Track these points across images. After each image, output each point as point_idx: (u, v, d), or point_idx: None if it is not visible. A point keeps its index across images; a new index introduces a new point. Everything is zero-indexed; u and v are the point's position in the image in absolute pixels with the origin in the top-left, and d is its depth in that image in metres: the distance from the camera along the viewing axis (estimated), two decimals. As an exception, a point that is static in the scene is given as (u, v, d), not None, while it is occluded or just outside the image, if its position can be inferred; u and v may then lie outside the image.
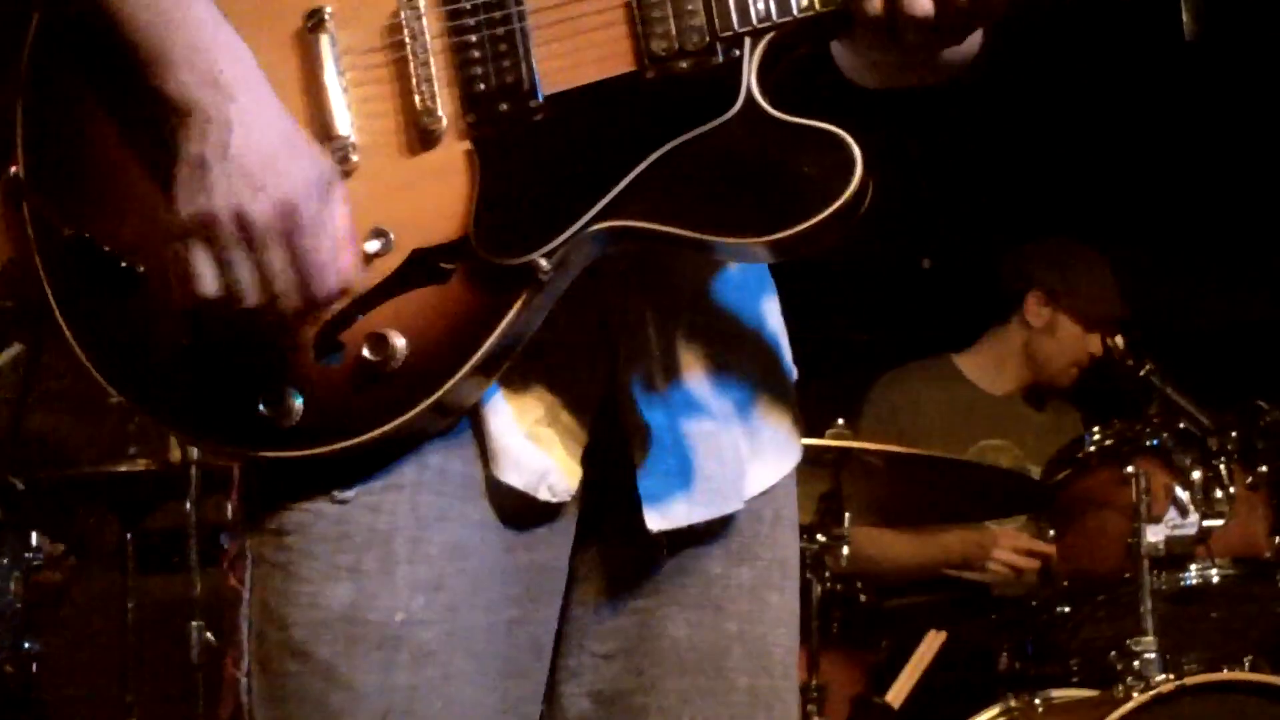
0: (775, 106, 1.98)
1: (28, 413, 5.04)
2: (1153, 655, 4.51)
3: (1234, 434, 4.82)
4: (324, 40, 2.04)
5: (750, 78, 1.98)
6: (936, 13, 1.94)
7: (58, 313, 2.07)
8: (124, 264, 2.03)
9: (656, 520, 2.14)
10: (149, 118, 1.99)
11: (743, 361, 2.26)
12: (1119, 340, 5.24)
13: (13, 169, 2.09)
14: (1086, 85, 6.48)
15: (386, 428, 2.00)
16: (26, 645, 4.94)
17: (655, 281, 2.18)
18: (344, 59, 2.04)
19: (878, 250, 5.99)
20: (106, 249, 2.04)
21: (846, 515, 4.99)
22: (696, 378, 2.21)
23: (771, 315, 2.32)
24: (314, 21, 2.04)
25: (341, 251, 1.97)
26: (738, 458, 2.22)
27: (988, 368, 6.21)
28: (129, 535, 5.32)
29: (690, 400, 2.19)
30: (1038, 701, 4.71)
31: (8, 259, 2.17)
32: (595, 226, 1.98)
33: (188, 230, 1.93)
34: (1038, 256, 6.14)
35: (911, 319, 6.32)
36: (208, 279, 1.93)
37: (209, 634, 4.90)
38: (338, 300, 1.97)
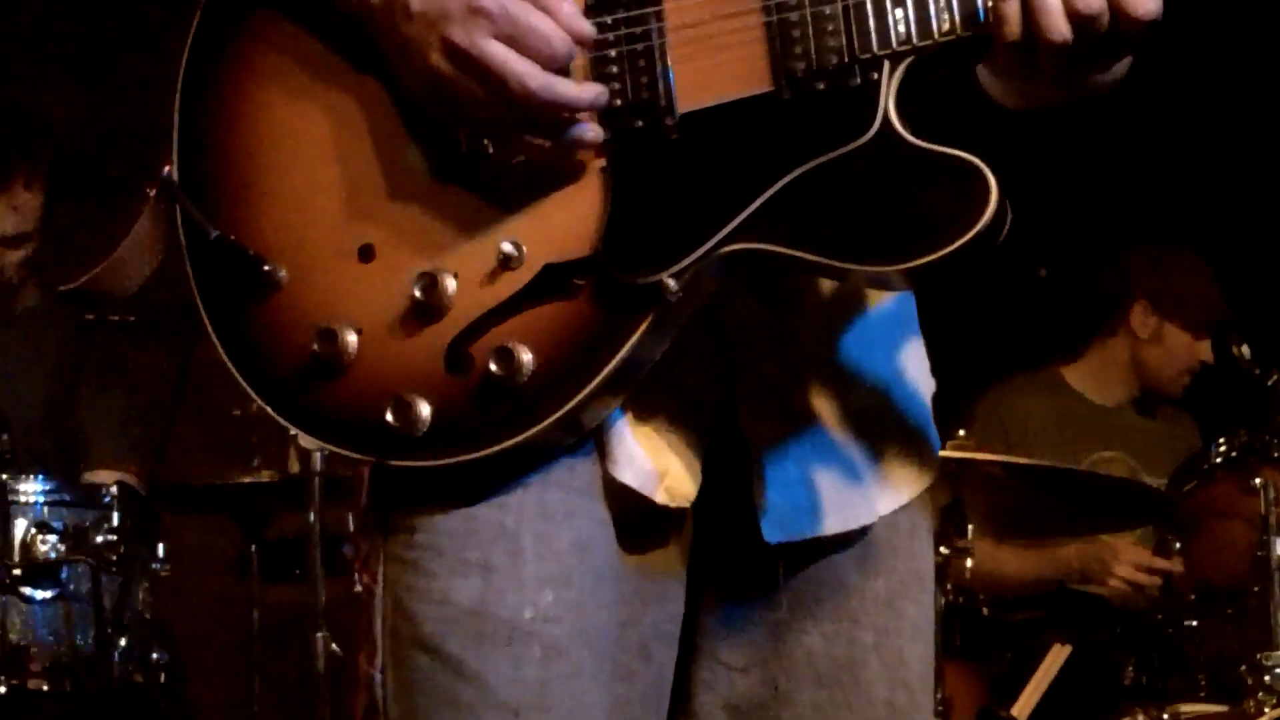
0: (912, 131, 1.96)
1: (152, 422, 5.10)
2: (1283, 670, 4.48)
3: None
4: None
5: (888, 101, 1.96)
6: (1075, 39, 1.90)
7: (203, 313, 2.09)
8: (266, 266, 2.06)
9: (776, 533, 2.13)
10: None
11: (874, 402, 2.23)
12: (1245, 349, 5.21)
13: (166, 168, 2.11)
14: (1182, 90, 6.47)
15: (509, 443, 2.00)
16: (155, 655, 5.00)
17: (783, 313, 2.16)
18: None
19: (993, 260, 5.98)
20: (251, 251, 2.07)
21: (970, 527, 4.99)
22: (825, 415, 2.18)
23: (912, 361, 2.29)
24: None
25: (541, 17, 1.97)
26: (860, 475, 2.19)
27: (1095, 379, 6.16)
28: (252, 545, 5.38)
29: (818, 438, 2.17)
30: (1165, 716, 4.71)
31: (158, 264, 2.19)
32: (725, 248, 1.96)
33: (447, 58, 1.96)
34: (1138, 264, 6.08)
35: (1018, 329, 6.29)
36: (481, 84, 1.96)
37: (334, 645, 4.93)
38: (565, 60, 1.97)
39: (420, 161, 2.06)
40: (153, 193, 2.13)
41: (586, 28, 1.99)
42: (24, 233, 5.33)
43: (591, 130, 1.99)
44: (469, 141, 2.03)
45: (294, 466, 5.19)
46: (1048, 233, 6.36)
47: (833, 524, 2.16)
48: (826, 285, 2.19)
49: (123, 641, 4.85)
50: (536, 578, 2.03)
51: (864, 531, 2.20)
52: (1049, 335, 6.26)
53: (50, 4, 7.05)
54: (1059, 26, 1.90)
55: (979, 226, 1.89)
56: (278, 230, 2.08)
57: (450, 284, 2.01)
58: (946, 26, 1.95)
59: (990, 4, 1.93)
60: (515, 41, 1.95)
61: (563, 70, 1.97)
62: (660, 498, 2.09)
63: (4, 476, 4.74)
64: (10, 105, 5.46)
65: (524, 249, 2.00)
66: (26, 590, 4.72)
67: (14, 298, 5.49)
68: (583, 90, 1.97)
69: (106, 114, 6.59)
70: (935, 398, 2.30)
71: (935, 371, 2.30)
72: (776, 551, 2.15)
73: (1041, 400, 6.08)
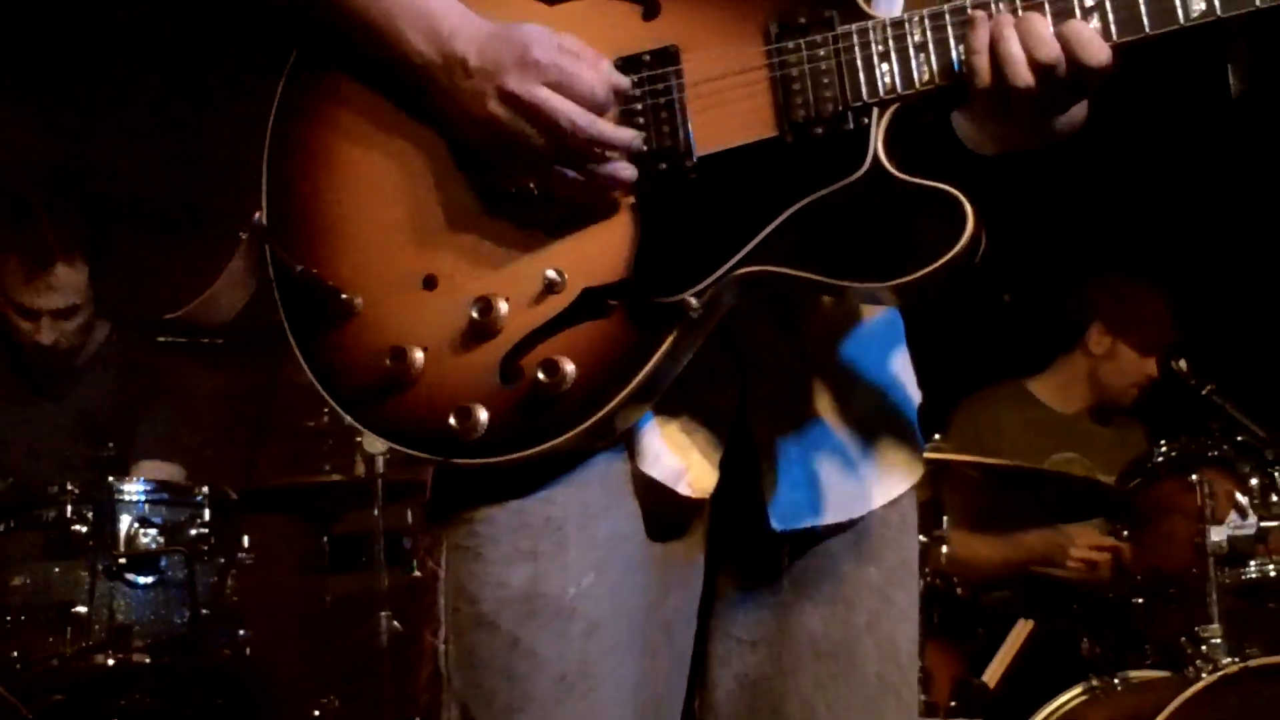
0: (899, 168, 1.98)
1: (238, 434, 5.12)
2: (1219, 641, 4.49)
3: (1288, 445, 4.81)
4: None
5: (877, 142, 1.98)
6: (1038, 85, 1.93)
7: (291, 337, 2.12)
8: (344, 296, 2.09)
9: (782, 522, 2.15)
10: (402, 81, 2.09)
11: (869, 404, 2.24)
12: (1183, 364, 5.22)
13: (256, 215, 2.14)
14: (1138, 135, 6.48)
15: (555, 442, 2.02)
16: (240, 633, 5.02)
17: (790, 329, 2.18)
18: None
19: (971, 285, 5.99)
20: (330, 283, 2.09)
21: (945, 519, 5.02)
22: (827, 417, 2.20)
23: (901, 371, 2.30)
24: None
25: (596, 58, 2.02)
26: (856, 472, 2.21)
27: (1057, 390, 6.15)
28: (324, 539, 5.40)
29: (821, 437, 2.19)
30: (1117, 681, 4.67)
31: (248, 297, 2.21)
32: (739, 271, 1.99)
33: (504, 105, 2.00)
34: (1096, 291, 6.10)
35: (989, 347, 6.30)
36: (534, 129, 2.01)
37: (395, 623, 4.95)
38: (606, 105, 2.01)
39: (474, 201, 2.08)
40: (244, 235, 2.16)
41: (624, 80, 2.03)
42: (73, 305, 5.28)
43: (627, 169, 2.02)
44: (516, 182, 2.06)
45: (360, 470, 5.19)
46: (1014, 263, 6.38)
47: (831, 516, 2.18)
48: (827, 305, 2.21)
49: (212, 622, 4.89)
50: (578, 563, 2.06)
51: (859, 525, 2.21)
52: (1017, 352, 6.24)
53: (144, 73, 7.06)
54: (1023, 75, 1.92)
55: (958, 248, 1.92)
56: (353, 265, 2.10)
57: (503, 307, 2.04)
58: (926, 77, 1.98)
59: (964, 58, 1.96)
60: (562, 88, 1.99)
61: (601, 115, 2.01)
62: (683, 490, 2.11)
63: (110, 479, 4.77)
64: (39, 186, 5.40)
65: (565, 276, 2.03)
66: (130, 577, 4.74)
67: (81, 351, 5.44)
68: (620, 131, 2.01)
69: (192, 166, 6.60)
70: (922, 404, 2.32)
71: (918, 383, 2.32)
72: (781, 540, 2.17)
73: (1010, 409, 6.06)
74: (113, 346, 5.52)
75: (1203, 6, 1.91)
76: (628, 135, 2.02)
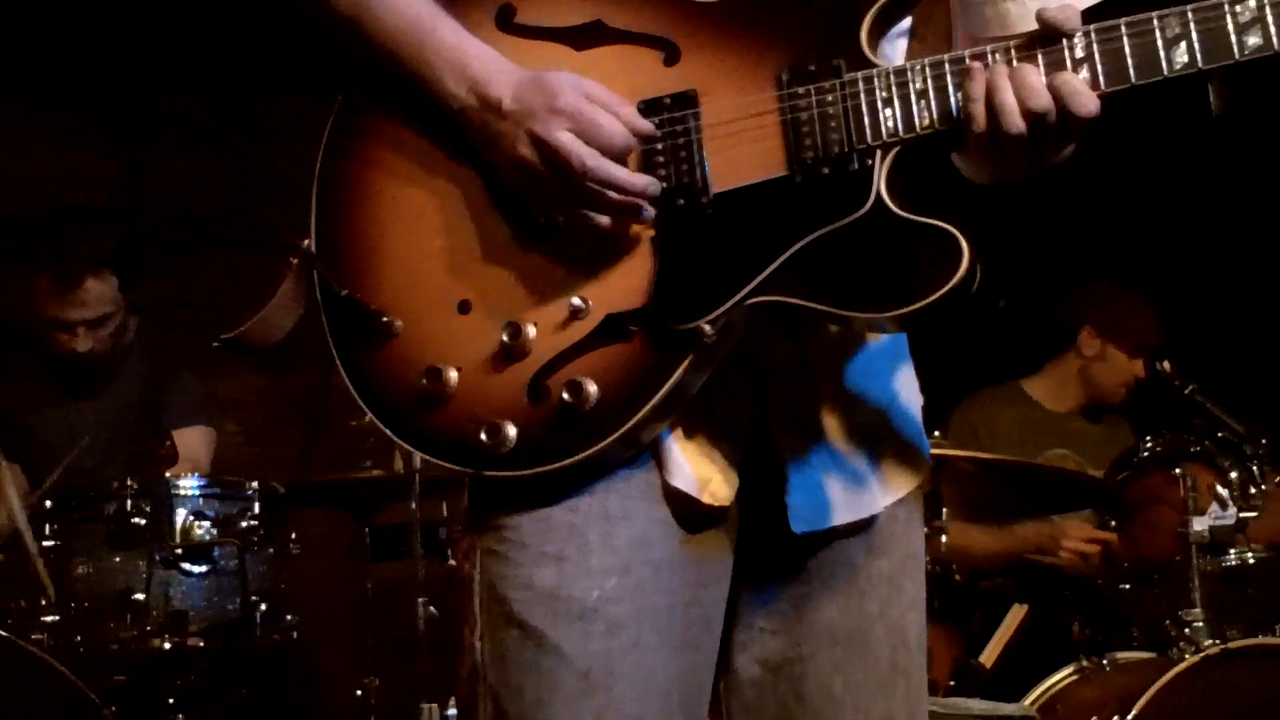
0: (900, 206, 1.97)
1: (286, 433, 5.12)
2: (1201, 624, 4.49)
3: (1265, 440, 4.80)
4: None
5: (880, 182, 1.98)
6: (1030, 132, 1.92)
7: (336, 355, 2.12)
8: (385, 318, 2.09)
9: (802, 524, 2.15)
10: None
11: (877, 412, 2.24)
12: (1167, 365, 5.22)
13: (305, 242, 2.15)
14: (1123, 153, 6.48)
15: (579, 457, 2.02)
16: (288, 618, 5.02)
17: (803, 349, 2.17)
18: None
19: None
20: (372, 306, 2.10)
21: (944, 510, 5.02)
22: (838, 427, 2.19)
23: (905, 383, 2.29)
24: None
25: (619, 104, 2.02)
26: (867, 474, 2.21)
27: (1051, 390, 6.13)
28: (365, 530, 5.40)
29: (830, 455, 2.18)
30: (1105, 662, 4.67)
31: (298, 318, 2.21)
32: (750, 300, 1.99)
33: (531, 146, 2.01)
34: (1088, 298, 6.09)
35: (987, 350, 6.29)
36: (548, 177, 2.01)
37: (431, 608, 4.95)
38: (623, 152, 2.01)
39: (505, 233, 2.08)
40: (294, 261, 2.16)
41: (645, 125, 2.02)
42: (104, 315, 5.28)
43: (648, 211, 2.01)
44: (546, 216, 2.06)
45: (399, 466, 5.19)
46: (1009, 270, 6.39)
47: (841, 517, 2.18)
48: (837, 331, 2.21)
49: (262, 608, 4.88)
50: (601, 567, 2.05)
51: (870, 522, 2.21)
52: (1014, 354, 6.24)
53: (199, 102, 7.08)
54: (1016, 123, 1.92)
55: (954, 281, 1.92)
56: (394, 290, 2.10)
57: (531, 331, 2.04)
58: (926, 121, 1.98)
59: (961, 105, 1.95)
60: (584, 134, 1.98)
61: (621, 158, 2.00)
62: (706, 499, 2.11)
63: (167, 475, 4.78)
64: (69, 208, 5.40)
65: (590, 302, 2.03)
66: (185, 566, 4.73)
67: (116, 350, 5.44)
68: (634, 176, 2.00)
69: (248, 195, 6.62)
70: (924, 404, 2.32)
71: (924, 383, 2.32)
72: (801, 540, 2.17)
73: (1006, 407, 6.06)
74: (145, 338, 5.53)
75: (1185, 59, 1.90)
76: (642, 181, 2.01)
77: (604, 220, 2.02)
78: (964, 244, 1.93)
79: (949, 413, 6.02)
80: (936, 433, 5.29)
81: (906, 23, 2.12)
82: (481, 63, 2.06)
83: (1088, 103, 1.91)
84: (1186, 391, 5.11)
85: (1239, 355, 6.17)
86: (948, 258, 1.92)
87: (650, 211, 2.02)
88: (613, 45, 2.07)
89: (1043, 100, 1.91)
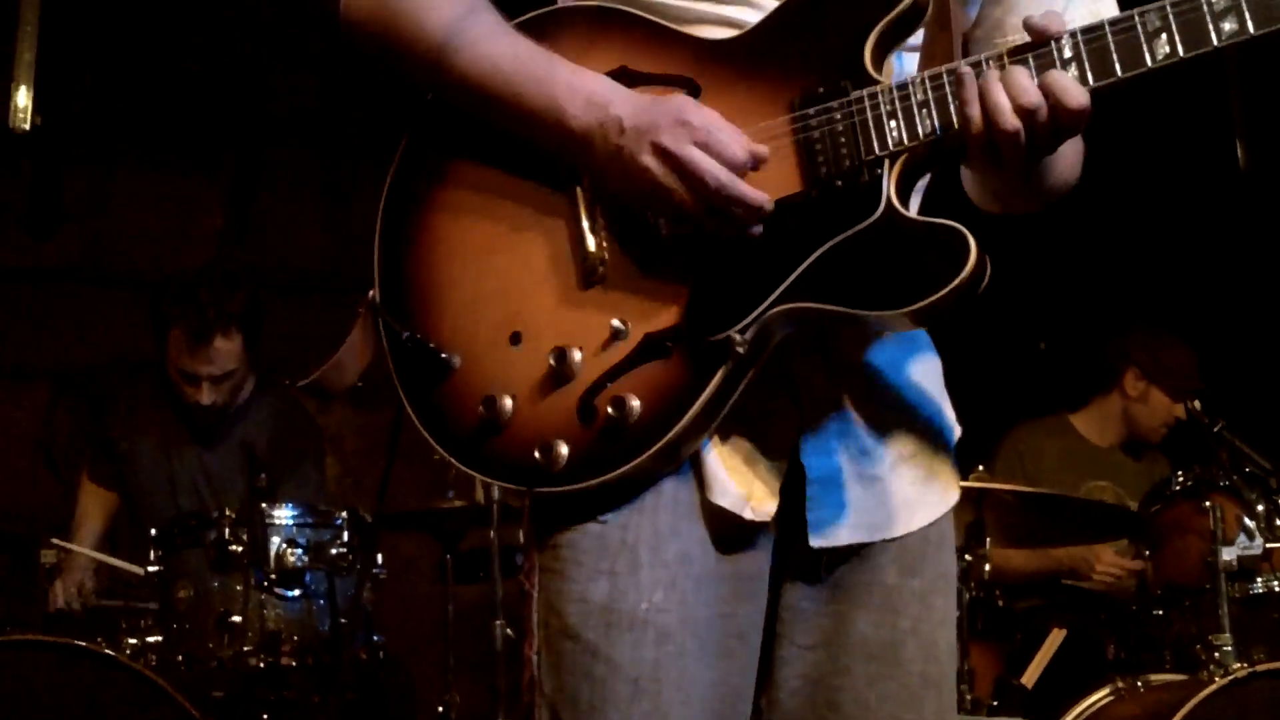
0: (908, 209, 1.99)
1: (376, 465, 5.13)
2: (1229, 648, 4.46)
3: (1289, 475, 4.77)
4: (579, 186, 2.10)
5: (890, 189, 1.99)
6: (1025, 128, 1.93)
7: (403, 395, 2.13)
8: (444, 355, 2.10)
9: (819, 539, 2.13)
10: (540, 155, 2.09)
11: (908, 418, 2.21)
12: (1197, 404, 5.22)
13: (370, 294, 2.16)
14: (1154, 209, 6.49)
15: (625, 468, 2.01)
16: (375, 637, 5.04)
17: (832, 355, 2.15)
18: (596, 201, 2.09)
19: (1006, 335, 6.01)
20: (431, 345, 2.10)
21: (988, 540, 4.99)
22: (867, 432, 2.17)
23: (932, 382, 2.27)
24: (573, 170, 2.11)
25: (735, 128, 2.01)
26: (897, 495, 2.18)
27: (1095, 425, 6.12)
28: (448, 555, 5.40)
29: (860, 452, 2.16)
30: (1139, 683, 4.61)
31: (369, 362, 2.23)
32: (776, 309, 1.99)
33: (656, 158, 2.00)
34: (1134, 342, 6.06)
35: (1041, 386, 6.28)
36: (680, 185, 2.00)
37: (508, 629, 4.95)
38: (746, 167, 2.00)
39: (551, 266, 2.09)
40: (361, 310, 2.17)
41: (763, 150, 2.02)
42: (228, 372, 5.32)
43: (757, 228, 2.02)
44: (655, 222, 2.06)
45: (480, 496, 5.21)
46: (1053, 315, 6.38)
47: (859, 536, 2.16)
48: (875, 358, 2.19)
49: (351, 628, 4.89)
50: (650, 581, 2.04)
51: (903, 542, 2.19)
52: (1062, 391, 6.24)
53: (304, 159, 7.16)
54: (1010, 120, 1.92)
55: (963, 275, 1.92)
56: (451, 329, 2.11)
57: (577, 355, 2.04)
58: (928, 128, 1.98)
59: (958, 108, 1.96)
60: (709, 149, 1.99)
61: (741, 175, 2.00)
62: (748, 515, 2.09)
63: (264, 505, 4.81)
64: (205, 271, 5.47)
65: (629, 324, 2.04)
66: (280, 590, 4.74)
67: (234, 403, 5.49)
68: (757, 194, 2.00)
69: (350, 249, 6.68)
70: (966, 438, 2.29)
71: (968, 418, 2.29)
72: (836, 560, 2.16)
73: (1052, 439, 6.06)
74: (265, 393, 5.57)
75: (1166, 49, 1.92)
76: (761, 197, 2.00)
77: (722, 232, 2.02)
78: (970, 240, 1.93)
79: (995, 443, 6.01)
80: (980, 466, 5.28)
81: (917, 38, 2.12)
82: (601, 85, 2.06)
83: (1077, 96, 1.92)
84: (1215, 429, 5.07)
85: (1265, 395, 6.12)
86: (956, 254, 1.93)
87: (759, 228, 2.02)
88: (639, 89, 2.08)
89: (1033, 97, 1.92)
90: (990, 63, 1.97)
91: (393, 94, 2.24)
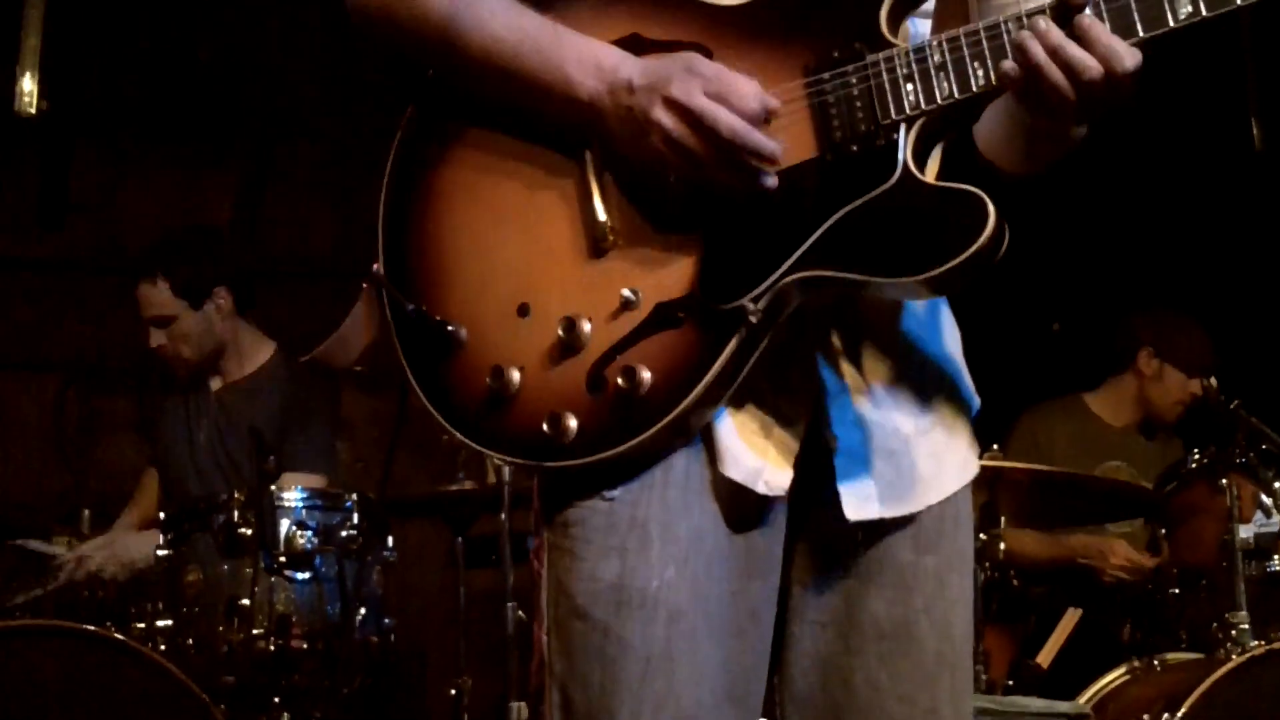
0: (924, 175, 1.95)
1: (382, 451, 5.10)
2: (1246, 626, 4.44)
3: (1306, 454, 4.77)
4: (588, 154, 2.07)
5: (906, 153, 1.95)
6: (1074, 88, 1.88)
7: (407, 369, 2.10)
8: (451, 328, 2.06)
9: (853, 512, 2.08)
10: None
11: (927, 390, 2.18)
12: (1213, 382, 5.18)
13: (375, 266, 2.13)
14: (1170, 188, 6.46)
15: (636, 440, 1.98)
16: (386, 621, 4.99)
17: (851, 325, 2.12)
18: (605, 169, 2.06)
19: (1021, 316, 5.96)
20: (437, 318, 2.07)
21: (1001, 519, 4.96)
22: (887, 404, 2.13)
23: (953, 352, 2.23)
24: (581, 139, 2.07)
25: (745, 81, 1.97)
26: (917, 468, 2.14)
27: (1110, 405, 6.08)
28: (459, 539, 5.38)
29: (882, 422, 2.12)
30: (1155, 663, 4.62)
31: (372, 338, 2.20)
32: (791, 276, 1.95)
33: (668, 111, 1.96)
34: (1147, 322, 6.04)
35: (1056, 366, 6.26)
36: (689, 135, 1.96)
37: (520, 613, 4.92)
38: (759, 117, 1.96)
39: (560, 236, 2.06)
40: (365, 285, 2.15)
41: (775, 101, 1.98)
42: (166, 316, 5.27)
43: (771, 178, 1.98)
44: (668, 183, 2.02)
45: (490, 479, 5.18)
46: (1067, 296, 6.36)
47: (893, 509, 2.12)
48: (895, 328, 2.15)
49: (362, 612, 4.85)
50: (661, 558, 2.01)
51: (918, 519, 2.15)
52: (1077, 371, 6.21)
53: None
54: (1094, 67, 1.87)
55: (981, 240, 1.88)
56: (458, 302, 2.08)
57: (586, 326, 2.01)
58: (946, 92, 1.94)
59: (1025, 68, 1.89)
60: (721, 98, 1.95)
61: (755, 125, 1.96)
62: (761, 488, 2.05)
63: (273, 488, 4.78)
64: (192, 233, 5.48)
65: (640, 294, 2.00)
66: (290, 573, 4.70)
67: (203, 362, 5.45)
68: (770, 142, 1.96)
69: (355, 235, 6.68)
70: (980, 419, 2.25)
71: (983, 400, 2.25)
72: (850, 537, 2.12)
73: (1067, 419, 6.02)
74: (279, 371, 5.52)
75: (1189, 9, 1.87)
76: (774, 145, 1.96)
77: (737, 183, 1.98)
78: (989, 205, 1.89)
79: (1010, 424, 5.98)
80: (995, 446, 5.25)
81: (930, 4, 2.09)
82: (609, 52, 2.03)
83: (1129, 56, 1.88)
84: (1231, 407, 5.04)
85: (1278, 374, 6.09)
86: (974, 220, 1.89)
87: (773, 179, 1.98)
88: (651, 55, 2.03)
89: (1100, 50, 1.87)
90: (1010, 27, 1.93)
91: (402, 82, 2.19)
